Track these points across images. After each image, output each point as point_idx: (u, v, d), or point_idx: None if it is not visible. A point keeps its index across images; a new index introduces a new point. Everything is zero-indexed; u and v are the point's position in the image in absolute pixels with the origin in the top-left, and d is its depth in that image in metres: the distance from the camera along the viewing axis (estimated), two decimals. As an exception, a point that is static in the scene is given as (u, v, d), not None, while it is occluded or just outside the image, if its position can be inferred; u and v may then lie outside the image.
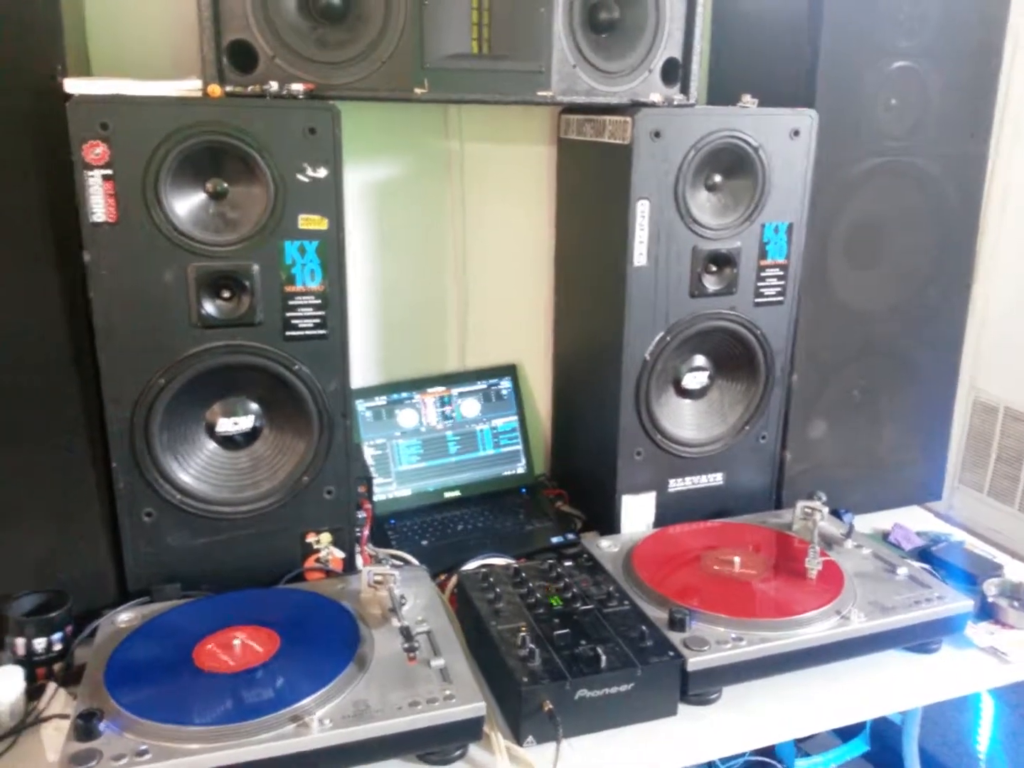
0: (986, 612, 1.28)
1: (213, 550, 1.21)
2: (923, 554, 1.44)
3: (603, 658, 1.03)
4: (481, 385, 1.63)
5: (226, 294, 1.13)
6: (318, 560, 1.27)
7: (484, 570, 1.24)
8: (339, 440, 1.22)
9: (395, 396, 1.57)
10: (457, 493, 1.59)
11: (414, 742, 0.95)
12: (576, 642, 1.07)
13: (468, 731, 0.97)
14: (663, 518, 1.45)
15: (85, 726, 0.88)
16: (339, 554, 1.27)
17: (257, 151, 1.09)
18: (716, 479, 1.48)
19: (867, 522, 1.57)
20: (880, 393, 1.55)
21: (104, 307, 1.09)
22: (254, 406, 1.21)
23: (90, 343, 1.10)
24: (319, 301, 1.16)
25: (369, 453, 1.54)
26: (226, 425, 1.20)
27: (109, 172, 1.05)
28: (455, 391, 1.61)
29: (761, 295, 1.40)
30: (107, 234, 1.07)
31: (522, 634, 1.06)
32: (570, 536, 1.45)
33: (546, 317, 1.66)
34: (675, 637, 1.09)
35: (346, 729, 0.92)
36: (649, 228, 1.30)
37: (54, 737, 0.99)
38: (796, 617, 1.12)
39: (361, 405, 1.54)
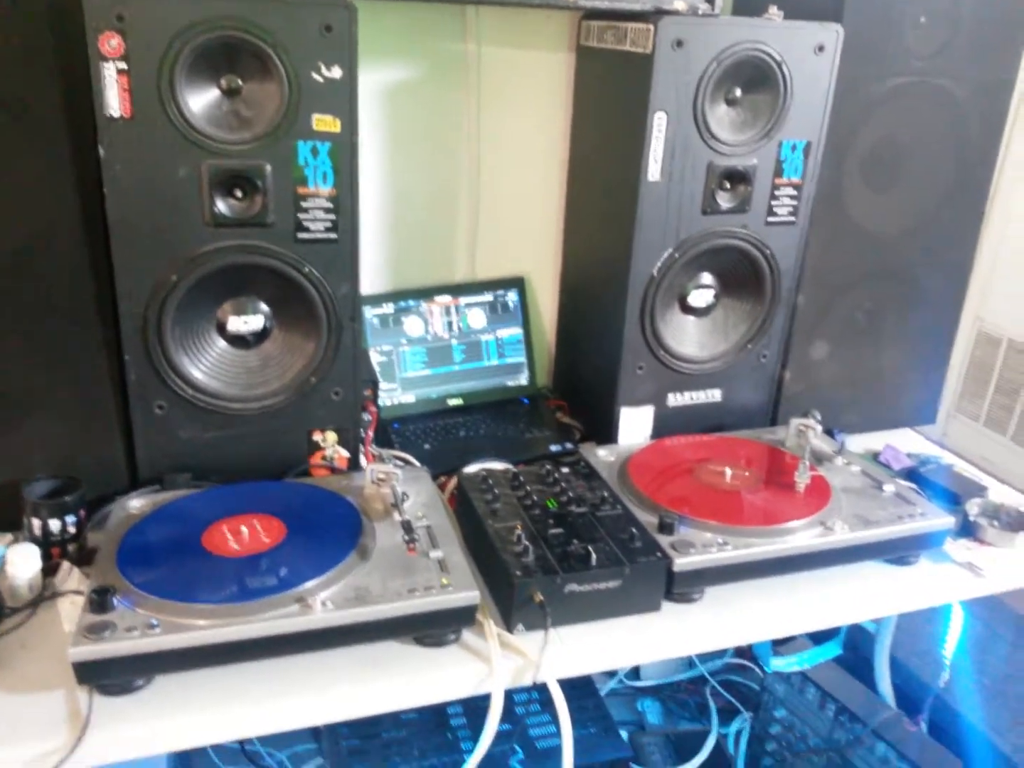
0: (967, 530, 1.33)
1: (223, 444, 1.25)
2: (911, 474, 1.48)
3: (593, 556, 1.08)
4: (488, 296, 1.65)
5: (239, 193, 1.14)
6: (324, 458, 1.32)
7: (483, 473, 1.29)
8: (347, 343, 1.25)
9: (403, 304, 1.59)
10: (460, 401, 1.63)
11: (411, 625, 1.01)
12: (568, 541, 1.12)
13: (462, 617, 1.03)
14: (660, 431, 1.49)
15: (100, 600, 0.94)
16: (344, 453, 1.32)
17: (272, 48, 1.08)
18: (715, 395, 1.51)
19: (860, 442, 1.61)
20: (885, 317, 1.57)
21: (118, 203, 1.10)
22: (264, 306, 1.24)
23: (105, 238, 1.12)
24: (331, 204, 1.17)
25: (375, 359, 1.57)
26: (236, 324, 1.23)
27: (124, 65, 1.05)
28: (462, 301, 1.63)
29: (774, 214, 1.40)
30: (122, 129, 1.07)
31: (517, 532, 1.12)
32: (568, 445, 1.50)
33: (556, 230, 1.66)
34: (663, 540, 1.14)
35: (347, 611, 0.98)
36: (665, 142, 1.29)
37: (70, 611, 1.05)
38: (781, 526, 1.17)
39: (368, 311, 1.56)
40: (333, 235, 1.19)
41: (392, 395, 1.59)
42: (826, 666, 1.64)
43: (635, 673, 1.98)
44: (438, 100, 1.51)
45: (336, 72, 1.11)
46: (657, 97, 1.26)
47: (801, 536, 1.17)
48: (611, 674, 1.95)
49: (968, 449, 3.27)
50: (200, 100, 1.10)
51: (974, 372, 3.27)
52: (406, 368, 1.60)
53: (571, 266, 1.65)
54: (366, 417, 1.39)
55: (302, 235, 1.18)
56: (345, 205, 1.18)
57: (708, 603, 1.16)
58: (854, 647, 1.69)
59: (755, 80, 1.30)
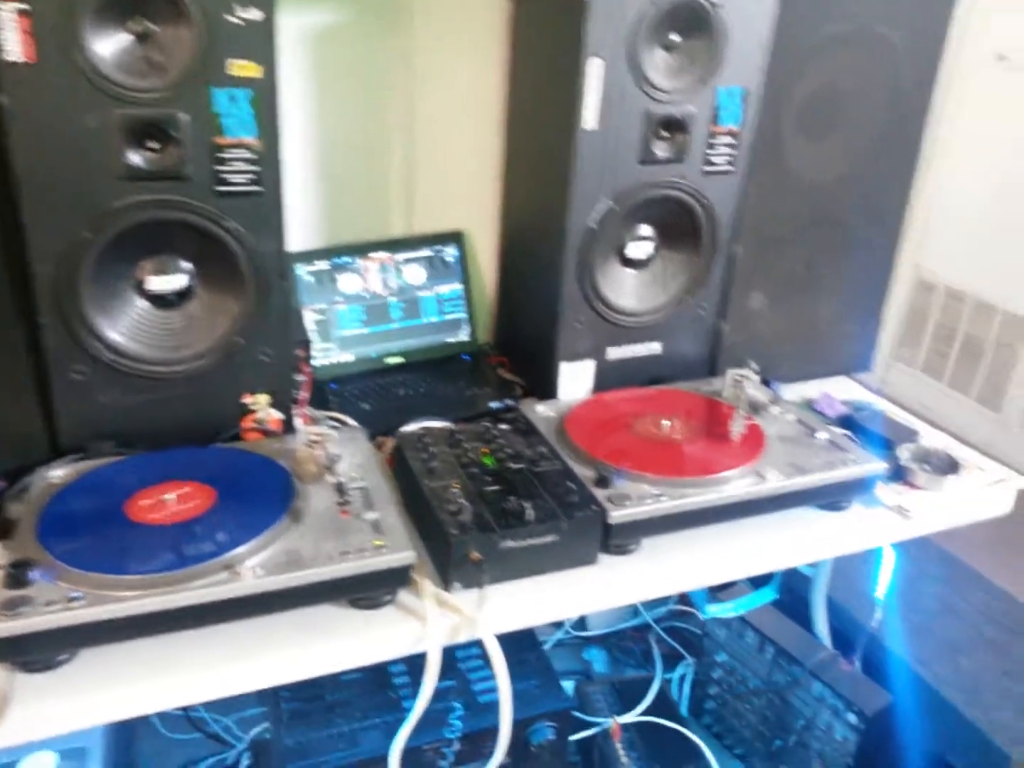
0: (898, 474, 1.36)
1: (148, 409, 1.21)
2: (845, 421, 1.50)
3: (529, 511, 1.08)
4: (426, 252, 1.61)
5: (153, 145, 1.08)
6: (256, 421, 1.28)
7: (420, 431, 1.27)
8: (275, 303, 1.21)
9: (337, 260, 1.55)
10: (400, 359, 1.60)
11: (345, 588, 1.00)
12: (505, 497, 1.12)
13: (397, 578, 1.02)
14: (601, 385, 1.48)
15: (15, 574, 0.90)
16: (277, 415, 1.29)
17: (180, -13, 1.02)
18: (654, 348, 1.51)
19: (797, 391, 1.62)
20: (822, 266, 1.57)
21: (25, 156, 1.03)
22: (187, 264, 1.18)
23: (10, 193, 1.06)
24: (252, 155, 1.12)
25: (310, 318, 1.53)
26: (157, 283, 1.18)
27: (25, 6, 0.98)
28: (399, 257, 1.59)
29: (711, 163, 1.39)
30: (25, 74, 1.00)
31: (453, 490, 1.11)
32: (509, 402, 1.48)
33: (495, 182, 1.63)
34: (600, 493, 1.14)
35: (278, 576, 0.96)
36: (601, 89, 1.26)
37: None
38: (715, 476, 1.18)
39: (301, 269, 1.52)
40: (256, 188, 1.14)
41: (329, 354, 1.55)
42: (765, 610, 1.68)
43: (581, 624, 2.01)
44: (369, 45, 1.45)
45: (254, 13, 1.05)
46: (592, 42, 1.22)
47: (735, 485, 1.18)
48: (558, 625, 1.98)
49: (907, 396, 3.37)
50: (109, 45, 1.03)
51: (912, 319, 3.35)
52: (343, 327, 1.56)
53: (510, 219, 1.62)
54: (300, 378, 1.35)
55: (222, 188, 1.12)
56: (268, 157, 1.13)
57: (644, 554, 1.17)
58: (792, 591, 1.74)
59: (692, 24, 1.27)
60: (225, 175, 1.12)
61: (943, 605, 1.69)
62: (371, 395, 1.51)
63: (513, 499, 1.11)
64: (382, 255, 1.58)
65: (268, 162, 1.13)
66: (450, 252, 1.62)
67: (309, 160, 1.49)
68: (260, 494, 1.09)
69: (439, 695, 1.23)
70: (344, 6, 1.41)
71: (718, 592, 1.68)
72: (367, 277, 1.57)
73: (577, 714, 1.69)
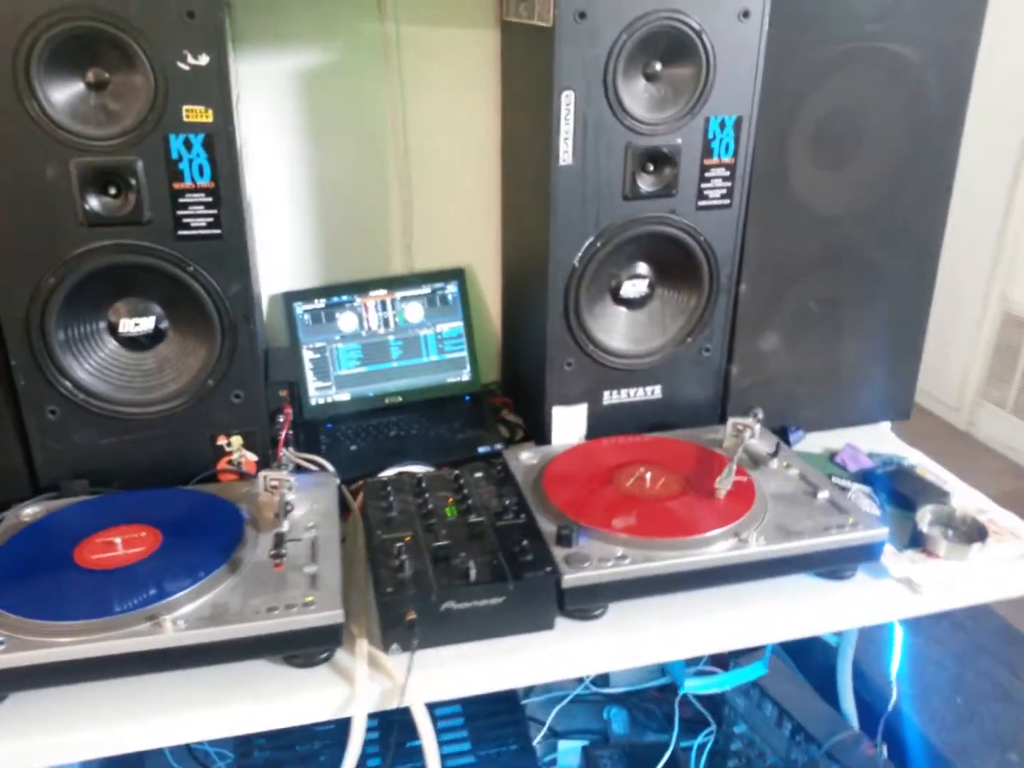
0: (916, 540, 1.22)
1: (122, 449, 1.22)
2: (867, 476, 1.37)
3: (473, 571, 1.01)
4: (426, 289, 1.58)
5: (112, 191, 1.10)
6: (230, 462, 1.27)
7: (385, 479, 1.23)
8: (243, 344, 1.20)
9: (335, 299, 1.53)
10: (399, 399, 1.57)
11: (271, 646, 0.96)
12: (455, 553, 1.06)
13: (326, 638, 0.97)
14: (598, 430, 1.40)
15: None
16: (252, 457, 1.28)
17: (132, 37, 1.03)
18: (654, 392, 1.42)
19: (822, 440, 1.50)
20: (842, 304, 1.44)
21: (-15, 204, 1.07)
22: (156, 307, 1.19)
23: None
24: (210, 199, 1.12)
25: (308, 356, 1.52)
26: (127, 326, 1.19)
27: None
28: (398, 295, 1.56)
29: (705, 197, 1.30)
30: (-20, 127, 1.03)
31: (399, 544, 1.06)
32: (498, 446, 1.42)
33: (496, 218, 1.59)
34: (560, 552, 1.06)
35: (199, 631, 0.93)
36: (575, 122, 1.20)
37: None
38: (689, 538, 1.08)
39: (299, 308, 1.51)
40: (216, 231, 1.14)
41: (326, 394, 1.54)
42: (789, 680, 1.54)
43: (604, 679, 1.90)
44: (358, 84, 1.44)
45: (203, 59, 1.06)
46: (562, 74, 1.17)
47: (712, 549, 1.08)
48: (579, 680, 1.88)
49: (994, 438, 3.10)
50: (64, 94, 1.05)
51: (1001, 356, 3.08)
52: (340, 366, 1.54)
53: (509, 256, 1.57)
54: (280, 419, 1.34)
55: (183, 232, 1.13)
56: (227, 198, 1.13)
57: (610, 620, 1.08)
58: (823, 661, 1.59)
59: (674, 52, 1.20)
60: (185, 219, 1.12)
61: (997, 688, 1.50)
62: (362, 436, 1.48)
63: (464, 555, 1.05)
64: (381, 293, 1.55)
65: (227, 204, 1.13)
66: (451, 290, 1.59)
67: (304, 200, 1.49)
68: (207, 541, 1.07)
69: (409, 755, 1.18)
70: (331, 47, 1.41)
71: (738, 657, 1.55)
72: (365, 315, 1.55)
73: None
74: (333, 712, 0.97)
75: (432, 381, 1.59)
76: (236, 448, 1.27)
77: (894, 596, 1.13)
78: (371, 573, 1.07)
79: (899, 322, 1.49)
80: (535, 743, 1.75)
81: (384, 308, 1.56)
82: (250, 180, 1.42)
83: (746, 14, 1.20)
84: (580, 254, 1.28)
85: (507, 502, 1.17)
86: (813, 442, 1.50)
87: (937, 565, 1.17)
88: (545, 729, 1.79)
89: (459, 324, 1.59)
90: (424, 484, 1.21)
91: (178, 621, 0.94)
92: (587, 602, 1.06)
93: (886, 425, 1.60)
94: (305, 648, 0.98)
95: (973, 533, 1.21)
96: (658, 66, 1.21)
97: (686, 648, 1.09)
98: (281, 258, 1.51)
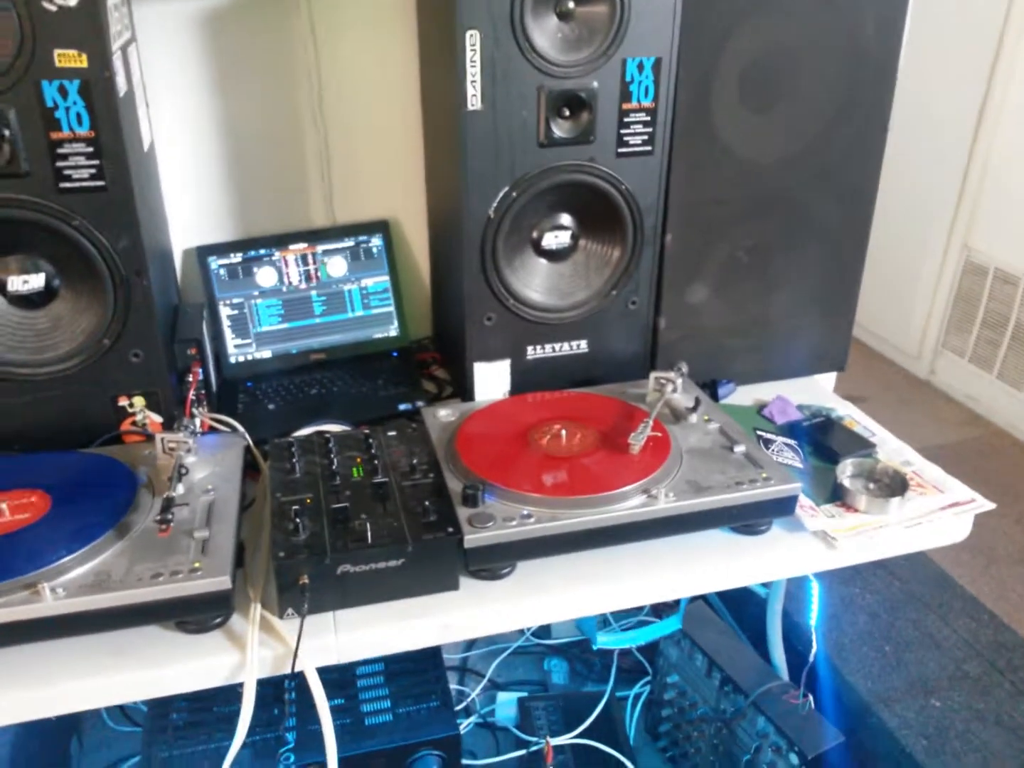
0: (836, 493, 1.20)
1: (21, 411, 1.18)
2: (793, 428, 1.34)
3: (370, 533, 0.99)
4: (349, 242, 1.52)
5: (-14, 141, 1.04)
6: (134, 423, 1.23)
7: (291, 439, 1.19)
8: (137, 302, 1.15)
9: (252, 253, 1.48)
10: (323, 356, 1.53)
11: (157, 613, 0.94)
12: (355, 515, 1.03)
13: (214, 604, 0.95)
14: (523, 386, 1.37)
15: None
16: (156, 418, 1.24)
17: (-7, -27, 0.96)
18: (581, 346, 1.38)
19: (755, 392, 1.47)
20: (772, 253, 1.40)
21: None
22: (46, 264, 1.14)
23: None
24: (91, 149, 1.06)
25: (225, 313, 1.47)
26: (16, 284, 1.13)
27: None
28: (320, 248, 1.51)
29: (625, 144, 1.25)
30: None
31: (295, 507, 1.03)
32: (419, 404, 1.39)
33: (420, 167, 1.53)
34: (464, 512, 1.04)
35: (79, 599, 0.90)
36: (482, 64, 1.14)
37: None
38: (597, 495, 1.06)
39: (214, 262, 1.46)
40: (100, 182, 1.08)
41: (246, 351, 1.49)
42: (721, 632, 1.54)
43: (546, 630, 1.91)
44: (266, 25, 1.37)
45: (71, 0, 0.99)
46: (465, 12, 1.10)
47: (620, 506, 1.06)
48: (521, 632, 1.89)
49: (954, 387, 3.09)
50: (-75, 36, 0.98)
51: (961, 305, 3.06)
52: (261, 322, 1.50)
53: (434, 207, 1.52)
54: (190, 379, 1.30)
55: (65, 184, 1.07)
56: (110, 149, 1.06)
57: (517, 579, 1.06)
58: (759, 612, 1.59)
59: (586, -12, 1.14)
60: (66, 171, 1.06)
61: (924, 634, 1.51)
62: (282, 394, 1.44)
63: (364, 517, 1.02)
64: (301, 246, 1.50)
65: (110, 155, 1.07)
66: (375, 242, 1.53)
67: (215, 149, 1.43)
68: (97, 506, 1.03)
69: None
70: (234, -15, 1.33)
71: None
72: (285, 270, 1.50)
73: (515, 732, 1.61)
74: (224, 679, 0.95)
75: (358, 337, 1.55)
76: (139, 409, 1.23)
77: (809, 550, 1.12)
78: (269, 537, 1.04)
79: (833, 271, 1.45)
80: (475, 695, 1.76)
81: (305, 262, 1.51)
82: (155, 128, 1.36)
83: (662, -55, 1.13)
84: (495, 204, 1.23)
85: (416, 461, 1.14)
86: (746, 395, 1.47)
87: (854, 518, 1.15)
88: (485, 681, 1.80)
89: (385, 278, 1.55)
90: (333, 444, 1.17)
91: (57, 589, 0.91)
92: (491, 562, 1.04)
93: (831, 376, 1.58)
94: (194, 615, 0.95)
95: (895, 486, 1.20)
96: (571, 3, 1.15)
97: (591, 606, 1.08)
98: (194, 211, 1.46)
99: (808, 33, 1.27)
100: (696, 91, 1.26)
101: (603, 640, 1.38)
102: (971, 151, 2.85)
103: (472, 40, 1.12)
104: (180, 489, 1.05)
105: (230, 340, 1.48)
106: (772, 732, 1.37)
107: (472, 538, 1.00)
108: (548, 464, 1.13)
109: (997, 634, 1.50)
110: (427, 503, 1.04)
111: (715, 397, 1.43)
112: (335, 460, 1.14)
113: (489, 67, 1.14)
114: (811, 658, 1.29)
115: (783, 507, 1.11)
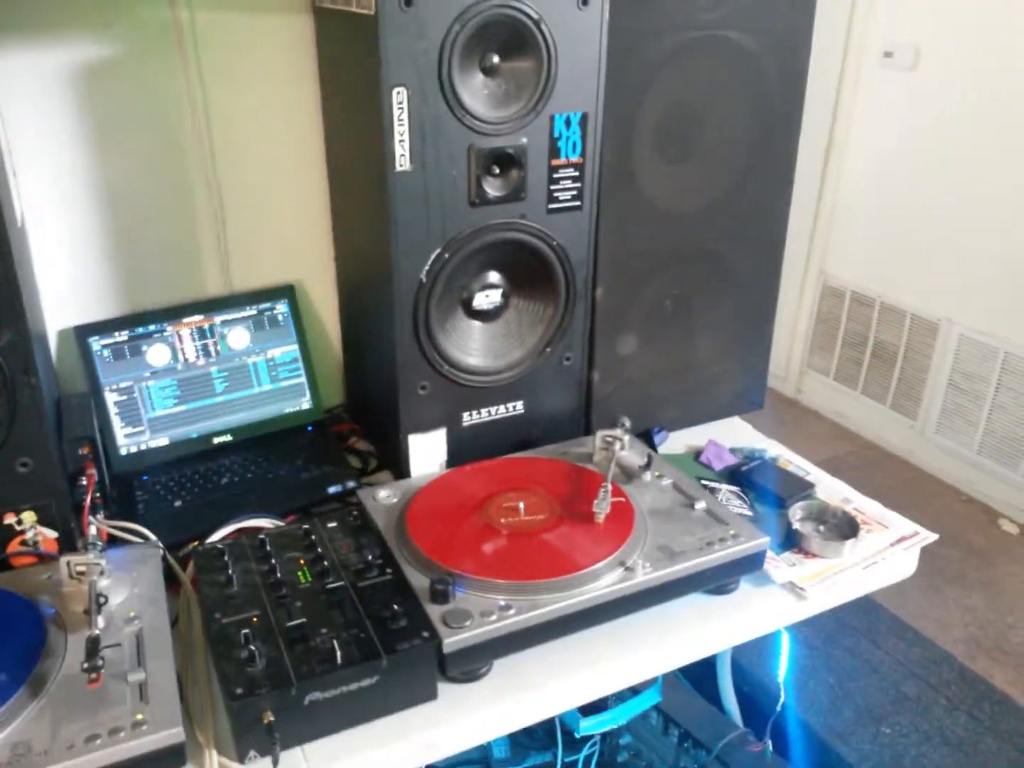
0: (791, 540, 1.20)
1: None
2: (734, 474, 1.34)
3: (338, 651, 0.87)
4: (251, 311, 1.39)
5: None
6: (24, 543, 1.05)
7: (219, 543, 1.05)
8: (25, 402, 0.99)
9: (140, 330, 1.32)
10: (228, 438, 1.38)
11: (94, 783, 0.78)
12: (315, 632, 0.91)
13: (166, 761, 0.80)
14: (459, 455, 1.29)
15: None
16: (50, 534, 1.06)
17: None
18: (517, 407, 1.32)
19: (684, 438, 1.46)
20: (694, 301, 1.41)
21: None
22: (-96, 366, 0.95)
23: None
24: (-40, 230, 0.90)
25: (112, 399, 1.30)
26: None
27: None
28: (218, 319, 1.37)
29: (555, 200, 1.21)
30: None
31: (245, 630, 0.89)
32: (351, 484, 1.28)
33: (326, 227, 1.42)
34: (435, 611, 0.94)
35: (-6, 784, 0.74)
36: (411, 123, 1.07)
37: None
38: (574, 575, 0.99)
39: (96, 343, 1.29)
40: (-29, 270, 0.91)
41: (138, 440, 1.32)
42: (671, 684, 1.51)
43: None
44: (149, 81, 1.23)
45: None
46: (391, 68, 1.03)
47: (599, 584, 1.00)
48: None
49: (822, 405, 3.28)
50: None
51: (822, 327, 3.26)
52: (153, 406, 1.33)
53: (346, 269, 1.42)
54: (85, 483, 1.12)
55: (-72, 274, 0.90)
56: (-16, 228, 0.91)
57: (494, 677, 0.97)
58: (706, 661, 1.57)
59: (512, 44, 1.09)
60: (-71, 257, 0.89)
61: (861, 661, 1.54)
62: (187, 487, 1.28)
63: (325, 633, 0.91)
64: (197, 319, 1.35)
65: (-15, 235, 0.91)
66: (280, 309, 1.41)
67: (93, 216, 1.27)
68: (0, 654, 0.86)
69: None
70: (115, 39, 1.18)
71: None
72: (180, 346, 1.34)
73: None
74: (182, 848, 0.80)
75: (267, 413, 1.41)
76: (29, 526, 1.05)
77: (780, 603, 1.10)
78: (214, 668, 0.90)
79: (748, 315, 1.48)
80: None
81: (202, 335, 1.36)
82: (23, 198, 1.19)
83: (585, 2, 1.11)
84: (427, 268, 1.16)
85: (369, 556, 1.03)
86: (677, 441, 1.46)
87: (815, 564, 1.16)
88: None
89: (293, 347, 1.42)
90: (268, 545, 1.04)
91: (-37, 777, 0.74)
92: (472, 664, 0.95)
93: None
94: (140, 777, 0.80)
95: (844, 527, 1.21)
96: (496, 59, 1.10)
97: (576, 697, 1.01)
98: (70, 285, 1.28)
99: (717, 87, 1.28)
100: (619, 145, 1.24)
101: (586, 726, 1.30)
102: (821, 187, 3.06)
103: (399, 97, 1.05)
104: (101, 623, 0.89)
105: (119, 429, 1.31)
106: (739, 785, 1.35)
107: (451, 641, 0.91)
108: (512, 544, 1.06)
109: (924, 651, 1.56)
110: (394, 605, 0.94)
111: (652, 446, 1.41)
112: (276, 565, 1.01)
113: (418, 125, 1.07)
114: (778, 708, 1.28)
115: (753, 563, 1.10)
